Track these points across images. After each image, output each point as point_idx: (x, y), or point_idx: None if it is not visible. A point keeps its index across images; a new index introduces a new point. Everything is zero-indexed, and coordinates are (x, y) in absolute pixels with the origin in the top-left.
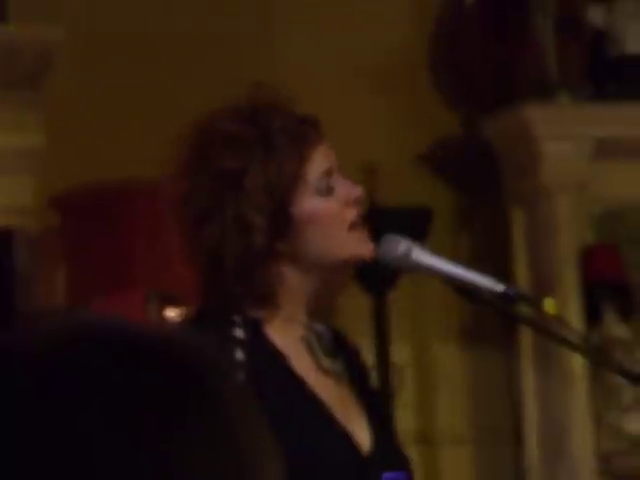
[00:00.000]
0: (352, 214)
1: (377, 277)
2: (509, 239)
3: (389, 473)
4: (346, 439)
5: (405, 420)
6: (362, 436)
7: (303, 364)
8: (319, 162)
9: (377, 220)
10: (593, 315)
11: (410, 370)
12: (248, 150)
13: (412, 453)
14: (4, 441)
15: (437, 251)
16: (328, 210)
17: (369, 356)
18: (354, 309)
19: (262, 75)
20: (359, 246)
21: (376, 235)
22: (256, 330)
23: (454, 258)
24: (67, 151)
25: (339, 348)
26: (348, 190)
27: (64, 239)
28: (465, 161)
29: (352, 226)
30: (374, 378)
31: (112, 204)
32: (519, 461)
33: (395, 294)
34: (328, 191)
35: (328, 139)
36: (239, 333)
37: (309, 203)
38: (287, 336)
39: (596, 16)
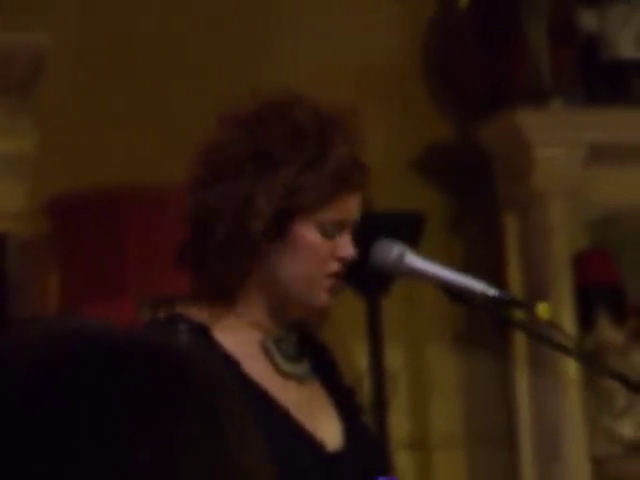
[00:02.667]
0: (334, 267)
1: (370, 282)
2: (502, 244)
3: (383, 477)
4: (305, 438)
5: (399, 424)
6: (331, 435)
7: (258, 368)
8: (343, 210)
9: (370, 225)
10: (587, 320)
11: (404, 375)
12: (300, 145)
13: (406, 457)
14: None
15: (430, 256)
16: (319, 247)
17: (362, 361)
18: (347, 314)
19: (254, 80)
20: (319, 294)
21: (369, 240)
22: (203, 336)
23: (447, 263)
24: (59, 157)
25: (306, 349)
26: (346, 247)
27: (56, 245)
28: (458, 166)
29: (331, 275)
30: (344, 376)
31: (104, 209)
32: (513, 465)
33: (388, 299)
34: (329, 236)
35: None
36: (184, 339)
37: (309, 231)
38: (240, 340)
39: (588, 21)
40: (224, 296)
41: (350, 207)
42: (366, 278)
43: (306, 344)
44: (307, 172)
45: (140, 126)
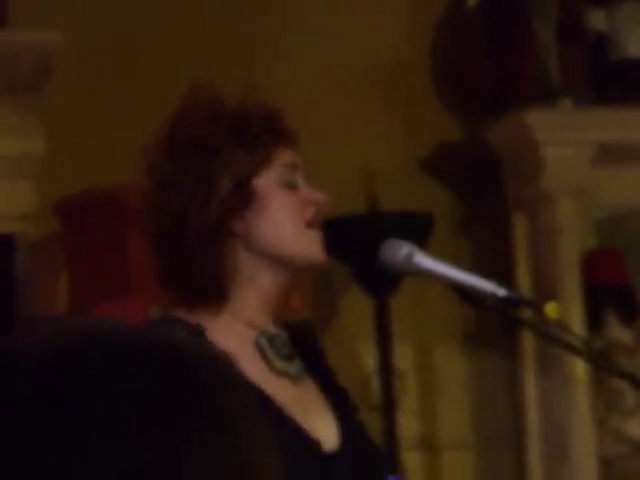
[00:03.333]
0: (311, 212)
1: (379, 281)
2: (511, 244)
3: (393, 477)
4: (302, 436)
5: (408, 425)
6: (327, 434)
7: (253, 366)
8: (287, 156)
9: (379, 225)
10: (595, 320)
11: (412, 374)
12: (224, 124)
13: (414, 458)
14: (3, 448)
15: (439, 256)
16: (287, 200)
17: (371, 361)
18: (356, 313)
19: (260, 81)
20: (311, 245)
21: (378, 240)
22: (200, 337)
23: (456, 263)
24: (67, 157)
25: (299, 349)
26: (311, 191)
27: (65, 245)
28: (467, 166)
29: (309, 224)
30: (340, 378)
31: (112, 209)
32: (521, 465)
33: (397, 299)
34: (291, 185)
35: (330, 144)
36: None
37: (271, 188)
38: (234, 339)
39: (597, 21)
40: (216, 294)
41: (291, 155)
42: (375, 278)
43: (297, 346)
44: (238, 139)
45: (148, 126)
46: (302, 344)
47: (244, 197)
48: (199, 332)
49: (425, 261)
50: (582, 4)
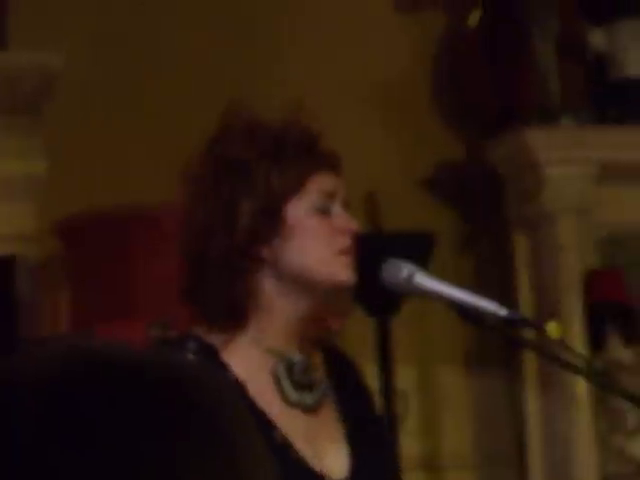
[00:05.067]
0: (344, 242)
1: (380, 302)
2: (513, 263)
3: None
4: (303, 467)
5: (410, 445)
6: (335, 464)
7: (265, 393)
8: (324, 182)
9: (380, 244)
10: (597, 339)
11: (414, 395)
12: (260, 145)
13: (417, 478)
14: (6, 466)
15: (440, 276)
16: (320, 227)
17: (372, 381)
18: (357, 334)
19: (265, 98)
20: (341, 270)
21: (379, 260)
22: (212, 357)
23: (458, 282)
24: (69, 177)
25: (333, 371)
26: (346, 219)
27: (67, 266)
28: (468, 185)
29: (341, 252)
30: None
31: (115, 231)
32: None
33: (399, 319)
34: (325, 212)
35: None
36: (191, 359)
37: (302, 215)
38: (250, 364)
39: (597, 40)
40: (234, 318)
41: (328, 182)
42: (376, 298)
43: (333, 366)
44: (274, 163)
45: (151, 147)
46: (338, 366)
47: (272, 223)
48: (211, 352)
49: (426, 281)
50: (582, 23)
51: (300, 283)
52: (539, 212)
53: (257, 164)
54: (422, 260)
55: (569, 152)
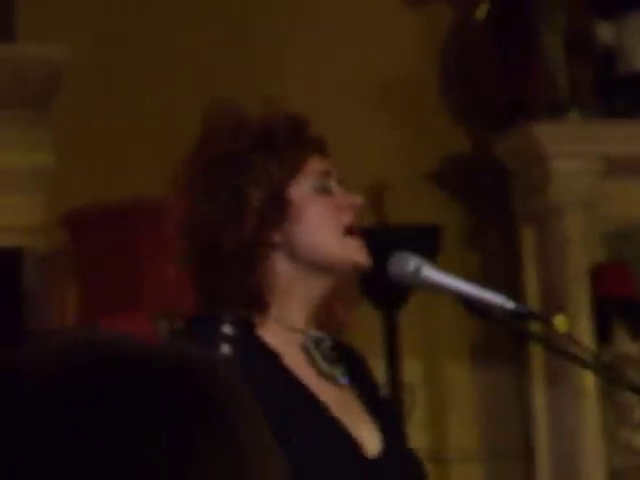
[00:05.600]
0: (348, 218)
1: (387, 295)
2: (519, 257)
3: None
4: (346, 438)
5: (416, 438)
6: (370, 439)
7: (300, 367)
8: (318, 163)
9: (387, 238)
10: (604, 332)
11: (421, 388)
12: (253, 137)
13: None
14: (9, 458)
15: (447, 269)
16: (323, 207)
17: (379, 374)
18: (364, 327)
19: (269, 91)
20: (353, 252)
21: (386, 253)
22: (247, 329)
23: (465, 276)
24: (76, 170)
25: (341, 356)
26: (346, 196)
27: (73, 258)
28: (475, 179)
29: (347, 230)
30: (383, 389)
31: (122, 223)
32: (530, 478)
33: (406, 312)
34: (325, 191)
35: (338, 157)
36: (227, 329)
37: (305, 196)
38: (282, 340)
39: (606, 34)
40: (257, 304)
41: (322, 163)
42: (383, 291)
43: (341, 353)
44: (268, 151)
45: (157, 140)
46: (346, 353)
47: (278, 208)
48: (248, 325)
49: (433, 274)
50: (590, 17)
51: (316, 263)
52: (546, 206)
53: (253, 155)
54: (429, 253)
55: (577, 146)
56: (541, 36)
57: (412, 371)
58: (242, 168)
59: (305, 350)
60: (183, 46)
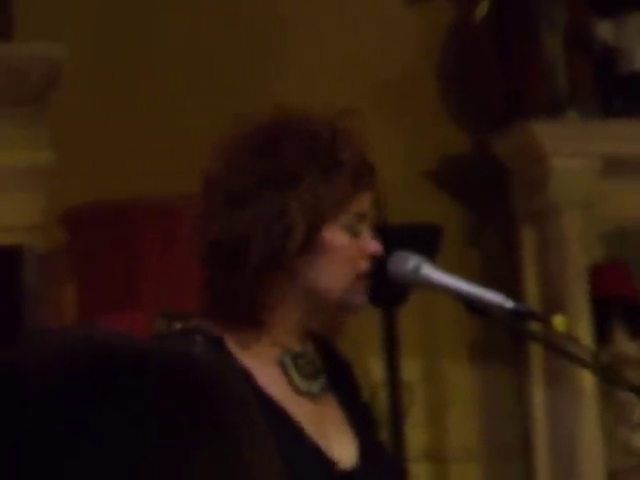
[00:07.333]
0: (365, 265)
1: (387, 294)
2: (519, 256)
3: None
4: (318, 455)
5: (415, 437)
6: (344, 452)
7: (273, 383)
8: (363, 204)
9: (386, 237)
10: (603, 332)
11: (420, 387)
12: (317, 158)
13: (422, 470)
14: (6, 455)
15: (447, 268)
16: (349, 248)
17: (378, 372)
18: (364, 325)
19: (267, 89)
20: (356, 295)
21: (386, 252)
22: (219, 348)
23: (464, 275)
24: (75, 168)
25: (325, 365)
26: (371, 242)
27: (73, 256)
28: (474, 178)
29: (359, 277)
30: (369, 394)
31: (121, 221)
32: (529, 478)
33: (405, 311)
34: (355, 233)
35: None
36: (199, 351)
37: (338, 235)
38: (255, 354)
39: (605, 33)
40: (251, 316)
41: (365, 203)
42: (383, 290)
43: (326, 359)
44: (325, 180)
45: (156, 138)
46: (331, 356)
47: (311, 238)
48: (217, 343)
49: (433, 273)
50: (590, 16)
51: (322, 301)
52: (545, 205)
53: (310, 177)
54: (429, 252)
55: (575, 145)
56: (540, 35)
57: (411, 370)
58: (294, 186)
59: (281, 366)
60: (181, 45)
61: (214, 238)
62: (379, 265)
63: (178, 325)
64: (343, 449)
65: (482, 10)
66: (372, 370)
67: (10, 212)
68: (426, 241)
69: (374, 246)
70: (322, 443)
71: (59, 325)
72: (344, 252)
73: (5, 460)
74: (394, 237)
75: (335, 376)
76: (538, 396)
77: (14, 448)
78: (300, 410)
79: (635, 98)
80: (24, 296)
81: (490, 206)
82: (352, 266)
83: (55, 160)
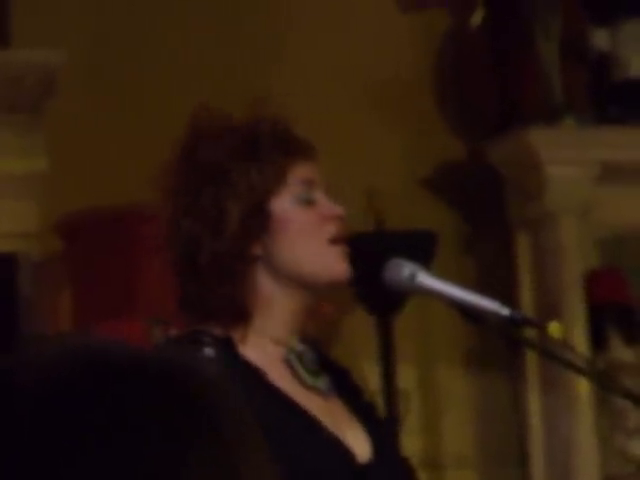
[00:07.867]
0: (332, 229)
1: (382, 301)
2: (514, 263)
3: None
4: (336, 446)
5: (411, 443)
6: (360, 446)
7: (284, 381)
8: (301, 172)
9: (382, 244)
10: (599, 339)
11: (416, 394)
12: (234, 146)
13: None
14: (6, 465)
15: (442, 275)
16: (306, 219)
17: (374, 380)
18: (359, 332)
19: (265, 95)
20: (334, 263)
21: (381, 259)
22: (228, 348)
23: (460, 282)
24: (70, 175)
25: (325, 368)
26: (330, 206)
27: (68, 264)
28: (470, 185)
29: (332, 241)
30: (370, 397)
31: (117, 228)
32: None
33: (401, 318)
34: (308, 202)
35: (333, 163)
36: (209, 352)
37: (287, 208)
38: (264, 355)
39: (600, 40)
40: (239, 316)
41: (306, 170)
42: (378, 297)
43: (324, 366)
44: (251, 160)
45: (152, 144)
46: (329, 364)
47: (258, 221)
48: (228, 344)
49: (428, 280)
50: (585, 23)
51: (296, 278)
52: (541, 212)
53: (235, 165)
54: (424, 259)
55: (571, 152)
56: (536, 42)
57: (407, 377)
58: (223, 179)
59: (288, 364)
60: (178, 51)
61: (173, 246)
62: (375, 272)
63: (178, 331)
64: (357, 442)
65: (478, 18)
66: (368, 378)
67: (5, 219)
68: (422, 248)
69: (333, 209)
70: (340, 436)
71: (55, 333)
72: (300, 222)
73: (1, 470)
74: (390, 243)
75: (335, 382)
76: (534, 403)
77: (10, 458)
78: (313, 404)
79: (630, 105)
80: (20, 304)
81: (486, 213)
82: (315, 234)
83: (51, 167)
